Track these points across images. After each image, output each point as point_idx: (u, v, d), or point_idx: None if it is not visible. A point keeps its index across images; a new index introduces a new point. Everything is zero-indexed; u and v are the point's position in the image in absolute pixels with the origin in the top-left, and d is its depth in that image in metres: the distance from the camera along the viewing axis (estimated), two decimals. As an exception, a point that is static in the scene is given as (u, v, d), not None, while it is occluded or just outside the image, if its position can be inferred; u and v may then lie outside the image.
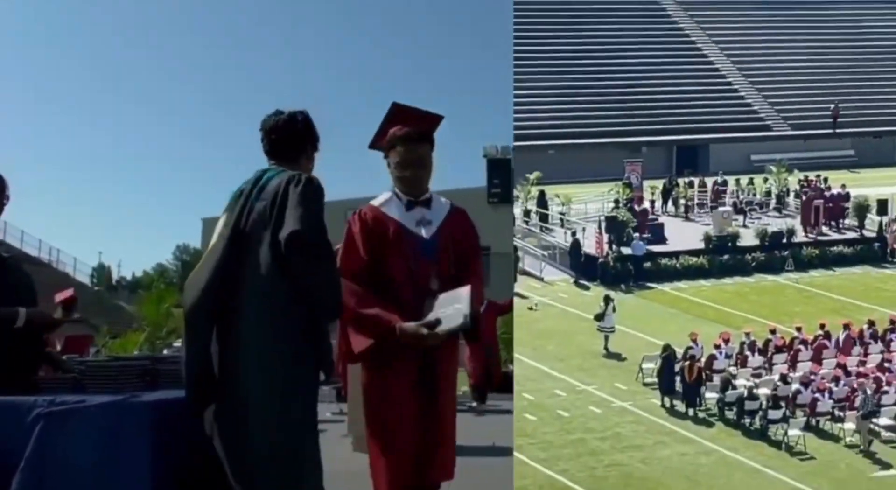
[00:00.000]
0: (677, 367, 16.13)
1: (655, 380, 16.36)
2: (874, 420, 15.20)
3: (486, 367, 16.86)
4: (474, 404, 16.61)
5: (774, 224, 22.38)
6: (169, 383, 6.04)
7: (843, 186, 23.30)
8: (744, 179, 24.40)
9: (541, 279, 20.81)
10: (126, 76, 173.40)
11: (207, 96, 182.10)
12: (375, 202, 6.09)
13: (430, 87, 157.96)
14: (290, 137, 5.51)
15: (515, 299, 19.72)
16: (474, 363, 18.00)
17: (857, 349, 17.39)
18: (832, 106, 27.00)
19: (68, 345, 12.17)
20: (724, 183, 24.32)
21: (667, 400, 16.06)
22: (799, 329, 17.50)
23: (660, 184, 24.20)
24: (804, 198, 23.02)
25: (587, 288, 20.34)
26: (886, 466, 14.45)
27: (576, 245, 20.86)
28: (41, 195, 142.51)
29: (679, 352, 16.44)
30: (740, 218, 22.85)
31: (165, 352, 22.20)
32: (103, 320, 35.58)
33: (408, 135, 5.95)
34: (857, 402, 15.30)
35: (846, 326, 17.64)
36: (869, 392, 15.33)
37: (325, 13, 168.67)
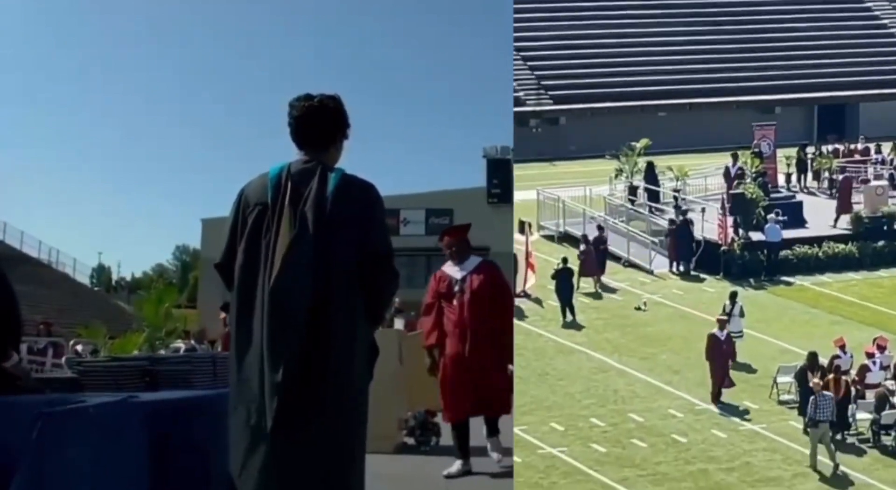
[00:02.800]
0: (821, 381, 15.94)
1: (794, 397, 16.41)
2: None
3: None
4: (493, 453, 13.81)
5: None
6: (168, 383, 7.17)
7: None
8: None
9: (650, 272, 20.91)
10: (126, 76, 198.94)
11: (208, 96, 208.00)
12: None
13: (431, 86, 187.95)
14: (322, 124, 6.59)
15: (620, 296, 20.10)
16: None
17: None
18: None
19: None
20: (879, 149, 24.10)
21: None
22: (978, 332, 17.29)
23: (796, 152, 24.02)
24: None
25: (704, 280, 20.47)
26: None
27: (685, 227, 20.92)
28: (41, 195, 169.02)
29: (824, 362, 16.39)
30: None
31: (162, 352, 23.99)
32: (103, 321, 38.76)
33: None
34: None
35: None
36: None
37: (324, 13, 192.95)
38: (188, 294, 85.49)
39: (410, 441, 15.21)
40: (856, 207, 21.93)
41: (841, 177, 22.59)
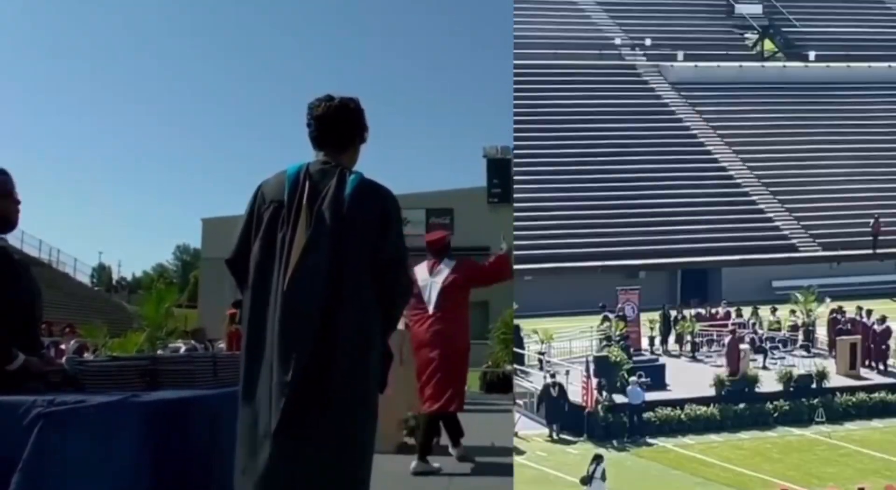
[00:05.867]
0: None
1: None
2: None
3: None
4: None
5: (801, 365, 22.33)
6: (169, 383, 7.21)
7: (883, 319, 23.04)
8: (764, 310, 24.43)
9: (514, 434, 20.51)
10: (126, 76, 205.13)
11: (207, 97, 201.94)
12: None
13: (431, 86, 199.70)
14: (343, 126, 6.62)
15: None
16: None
17: (910, 524, 17.05)
18: (872, 221, 26.92)
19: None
20: (739, 313, 24.47)
21: None
22: (832, 495, 17.18)
23: (659, 316, 24.16)
24: (837, 333, 22.99)
25: (572, 443, 20.20)
26: None
27: (559, 391, 20.74)
28: (41, 195, 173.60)
29: None
30: (759, 358, 22.78)
31: (159, 352, 25.20)
32: (103, 320, 41.73)
33: None
34: None
35: (893, 493, 17.21)
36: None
37: (324, 13, 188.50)
38: (188, 294, 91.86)
39: (411, 441, 15.52)
40: (717, 371, 22.09)
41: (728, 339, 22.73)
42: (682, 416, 20.77)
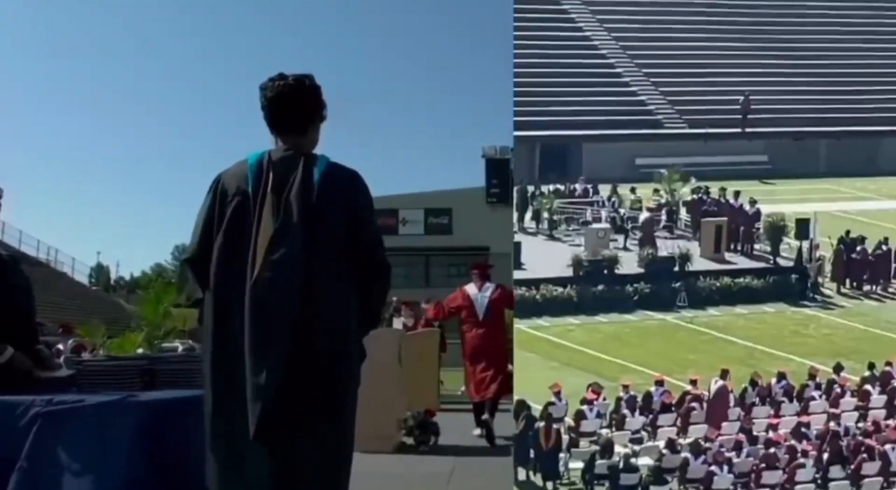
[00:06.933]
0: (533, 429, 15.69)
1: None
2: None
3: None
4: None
5: (664, 247, 21.80)
6: (167, 383, 7.19)
7: (753, 201, 22.74)
8: (624, 188, 23.92)
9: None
10: (126, 76, 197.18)
11: (208, 97, 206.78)
12: None
13: (430, 86, 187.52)
14: (300, 106, 6.01)
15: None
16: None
17: (767, 409, 17.00)
18: (741, 98, 26.60)
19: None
20: (596, 191, 24.02)
21: (521, 471, 15.57)
22: (693, 382, 16.95)
23: (516, 192, 23.61)
24: (702, 214, 22.55)
25: None
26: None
27: None
28: (40, 195, 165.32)
29: (537, 409, 16.10)
30: (620, 238, 22.30)
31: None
32: (101, 320, 40.66)
33: None
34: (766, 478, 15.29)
35: (753, 380, 17.20)
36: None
37: (324, 13, 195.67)
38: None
39: (409, 441, 15.32)
40: (575, 250, 21.44)
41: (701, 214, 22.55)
42: (538, 297, 20.17)
